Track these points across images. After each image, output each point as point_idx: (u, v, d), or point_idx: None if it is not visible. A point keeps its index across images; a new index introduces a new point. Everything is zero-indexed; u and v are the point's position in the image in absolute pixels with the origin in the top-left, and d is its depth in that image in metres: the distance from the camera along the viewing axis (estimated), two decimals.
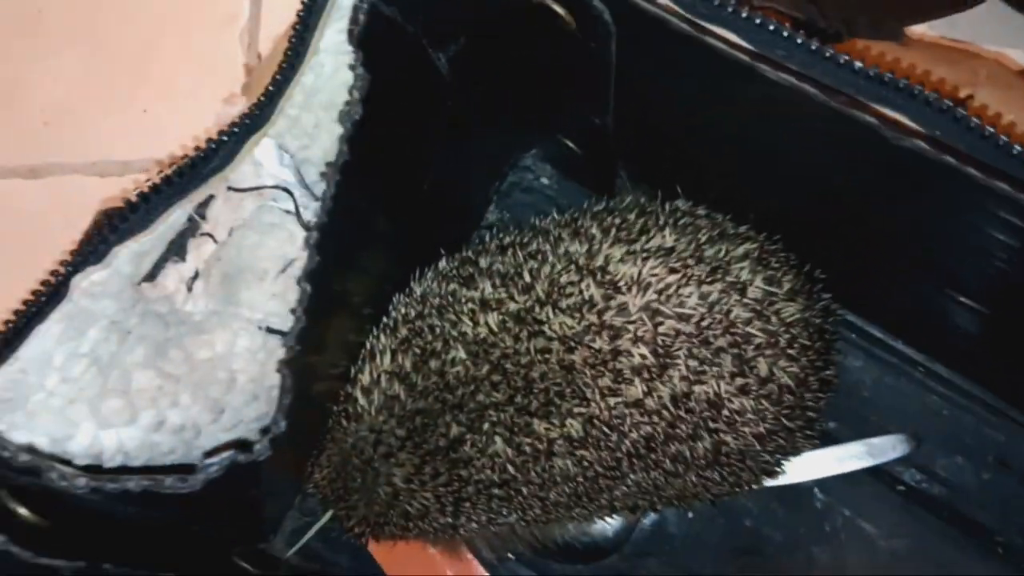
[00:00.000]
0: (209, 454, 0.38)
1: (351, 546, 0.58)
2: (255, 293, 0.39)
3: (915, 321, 0.54)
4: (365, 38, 0.36)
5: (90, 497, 0.33)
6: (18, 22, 0.68)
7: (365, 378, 0.48)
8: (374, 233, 0.44)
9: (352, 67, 0.36)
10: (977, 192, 0.31)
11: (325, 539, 0.58)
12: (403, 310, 0.48)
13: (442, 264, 0.50)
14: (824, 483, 0.55)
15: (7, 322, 0.34)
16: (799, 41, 0.32)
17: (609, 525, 0.55)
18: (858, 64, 0.31)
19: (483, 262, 0.48)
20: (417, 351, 0.46)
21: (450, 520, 0.48)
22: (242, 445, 0.38)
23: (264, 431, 0.36)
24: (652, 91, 0.43)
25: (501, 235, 0.50)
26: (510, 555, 0.57)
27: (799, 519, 0.55)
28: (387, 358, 0.47)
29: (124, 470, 0.35)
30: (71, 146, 0.64)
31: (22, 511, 0.33)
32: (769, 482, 0.53)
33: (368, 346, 0.48)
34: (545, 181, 0.61)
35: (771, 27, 0.33)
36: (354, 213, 0.38)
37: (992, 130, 0.30)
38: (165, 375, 0.36)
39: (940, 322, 0.49)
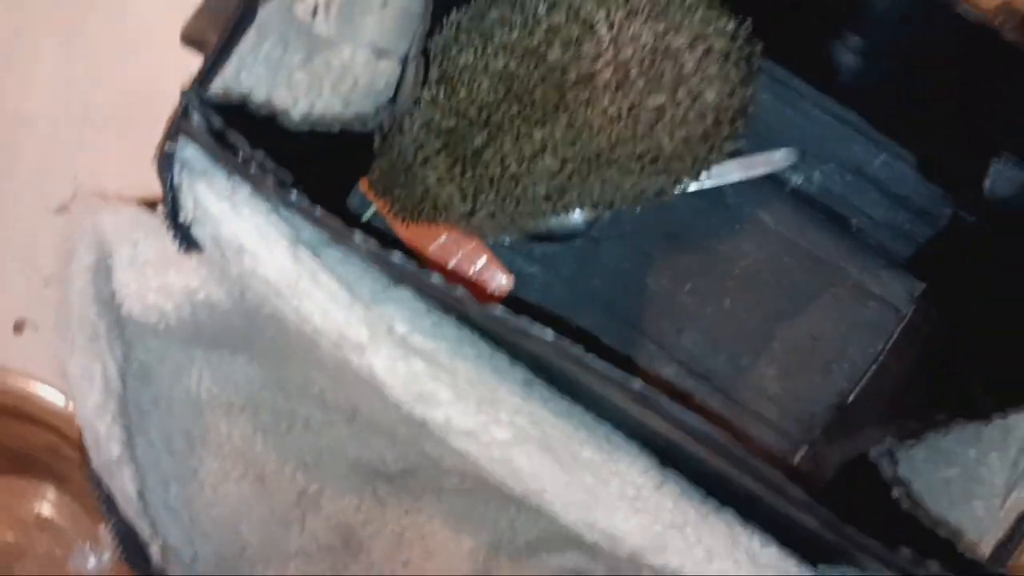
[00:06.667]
0: None
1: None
2: (368, 19, 0.53)
3: (811, 61, 0.71)
4: None
5: None
6: None
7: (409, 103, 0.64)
8: None
9: None
10: None
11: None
12: (441, 45, 0.63)
13: (464, 11, 0.63)
14: (735, 186, 0.73)
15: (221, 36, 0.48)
16: None
17: (578, 217, 0.73)
18: None
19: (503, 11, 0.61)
20: (450, 82, 0.60)
21: (468, 208, 0.63)
22: None
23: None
24: None
25: None
26: (505, 238, 0.75)
27: (715, 212, 0.73)
28: (427, 87, 0.62)
29: None
30: None
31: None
32: (693, 186, 0.71)
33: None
34: None
35: None
36: None
37: None
38: (314, 74, 0.52)
39: (829, 62, 0.67)
